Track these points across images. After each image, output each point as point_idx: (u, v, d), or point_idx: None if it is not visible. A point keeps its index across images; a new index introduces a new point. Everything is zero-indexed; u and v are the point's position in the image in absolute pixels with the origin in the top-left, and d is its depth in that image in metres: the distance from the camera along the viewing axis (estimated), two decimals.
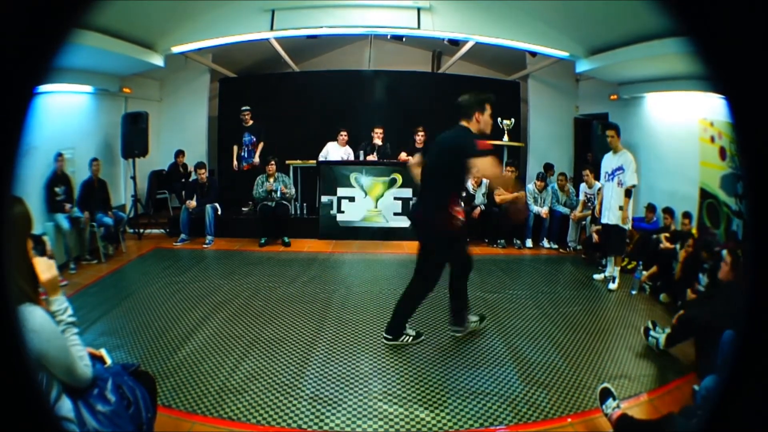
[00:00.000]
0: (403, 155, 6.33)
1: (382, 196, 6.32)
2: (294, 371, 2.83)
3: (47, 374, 1.40)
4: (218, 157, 7.82)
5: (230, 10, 5.58)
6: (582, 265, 5.36)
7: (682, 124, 5.28)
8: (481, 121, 2.92)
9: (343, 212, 6.33)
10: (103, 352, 1.90)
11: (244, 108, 6.72)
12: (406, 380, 2.76)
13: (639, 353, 3.19)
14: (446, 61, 8.67)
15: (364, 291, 4.30)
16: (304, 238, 6.20)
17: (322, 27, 5.67)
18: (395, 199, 6.29)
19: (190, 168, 6.89)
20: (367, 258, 5.53)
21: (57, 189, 4.86)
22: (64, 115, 5.26)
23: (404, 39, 7.55)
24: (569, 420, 2.44)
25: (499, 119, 6.26)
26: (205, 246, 5.86)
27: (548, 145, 7.67)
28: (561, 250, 5.99)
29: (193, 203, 6.01)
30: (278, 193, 6.03)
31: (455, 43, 6.74)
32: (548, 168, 6.80)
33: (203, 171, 6.17)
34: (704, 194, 4.83)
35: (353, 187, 6.30)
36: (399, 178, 6.19)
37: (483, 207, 6.14)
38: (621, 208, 4.42)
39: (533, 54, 6.67)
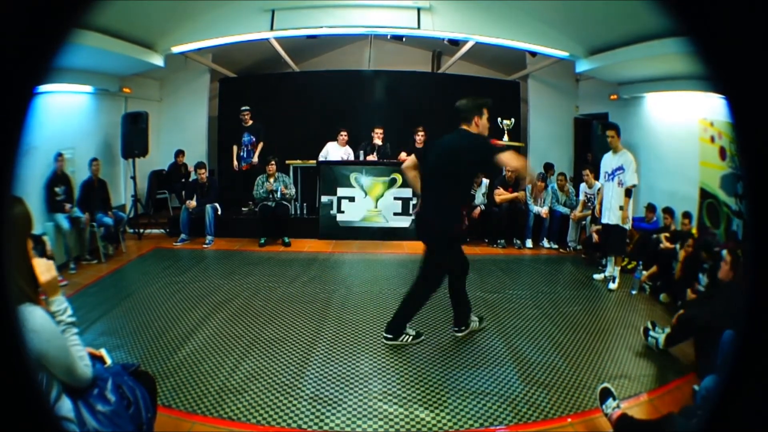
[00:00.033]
0: (403, 155, 6.33)
1: (382, 196, 6.32)
2: (294, 371, 2.83)
3: (47, 374, 1.40)
4: (218, 157, 7.82)
5: (230, 10, 5.58)
6: (582, 265, 5.36)
7: (682, 124, 5.28)
8: (480, 125, 2.98)
9: (343, 212, 6.33)
10: (103, 352, 1.90)
11: (243, 108, 6.72)
12: (406, 380, 2.76)
13: (639, 353, 3.19)
14: (446, 61, 8.67)
15: (364, 291, 4.30)
16: (304, 238, 6.20)
17: (322, 27, 5.66)
18: (395, 199, 6.29)
19: (190, 168, 6.89)
20: (367, 258, 5.53)
21: (57, 189, 4.86)
22: (64, 115, 5.26)
23: (404, 39, 7.55)
24: (569, 420, 2.44)
25: (499, 119, 6.27)
26: (205, 246, 5.86)
27: (548, 145, 7.67)
28: (561, 250, 5.99)
29: (193, 203, 6.01)
30: (278, 193, 6.03)
31: (455, 43, 6.74)
32: (548, 168, 6.80)
33: (203, 171, 6.17)
34: (704, 194, 4.83)
35: (353, 187, 6.30)
36: (399, 178, 6.19)
37: (483, 207, 6.15)
38: (621, 208, 4.42)
39: (533, 54, 6.67)
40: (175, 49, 5.78)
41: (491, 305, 3.95)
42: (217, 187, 6.41)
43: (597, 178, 5.10)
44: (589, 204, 5.65)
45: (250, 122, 6.74)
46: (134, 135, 6.12)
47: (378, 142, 6.45)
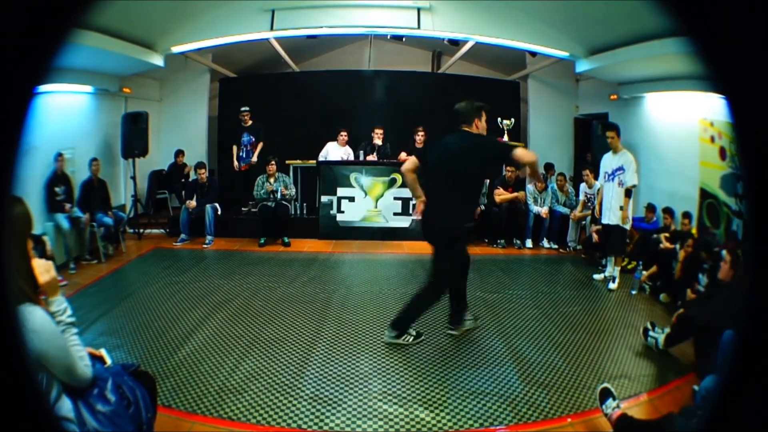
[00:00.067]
0: (403, 155, 6.33)
1: (382, 196, 6.32)
2: (294, 371, 2.83)
3: (47, 374, 1.40)
4: (218, 157, 7.82)
5: (230, 10, 5.58)
6: (582, 265, 5.36)
7: (682, 124, 5.28)
8: (479, 127, 3.04)
9: (343, 212, 6.33)
10: (103, 352, 1.90)
11: (242, 109, 6.72)
12: (406, 380, 2.76)
13: (639, 353, 3.19)
14: (446, 61, 8.67)
15: (364, 291, 4.30)
16: (304, 238, 6.20)
17: (322, 27, 5.67)
18: (395, 199, 6.29)
19: (190, 168, 6.89)
20: (367, 258, 5.53)
21: (57, 189, 4.86)
22: (64, 115, 5.26)
23: (404, 39, 7.55)
24: (569, 420, 2.44)
25: (499, 119, 6.27)
26: (205, 246, 5.86)
27: (548, 145, 7.66)
28: (561, 250, 5.99)
29: (193, 203, 6.01)
30: (279, 193, 6.03)
31: (455, 43, 6.74)
32: (548, 168, 6.80)
33: (203, 171, 6.17)
34: (704, 194, 4.83)
35: (353, 187, 6.30)
36: (399, 178, 6.19)
37: (483, 207, 6.14)
38: (621, 208, 4.43)
39: (533, 54, 6.67)
40: (175, 49, 5.78)
41: (491, 305, 3.95)
42: (217, 187, 6.41)
43: (597, 178, 5.10)
44: (589, 204, 5.65)
45: (250, 122, 6.74)
46: (134, 135, 6.12)
47: (378, 142, 6.45)
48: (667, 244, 4.44)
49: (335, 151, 6.54)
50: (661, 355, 3.12)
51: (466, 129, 3.02)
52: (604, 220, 4.62)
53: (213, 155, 7.82)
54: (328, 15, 5.59)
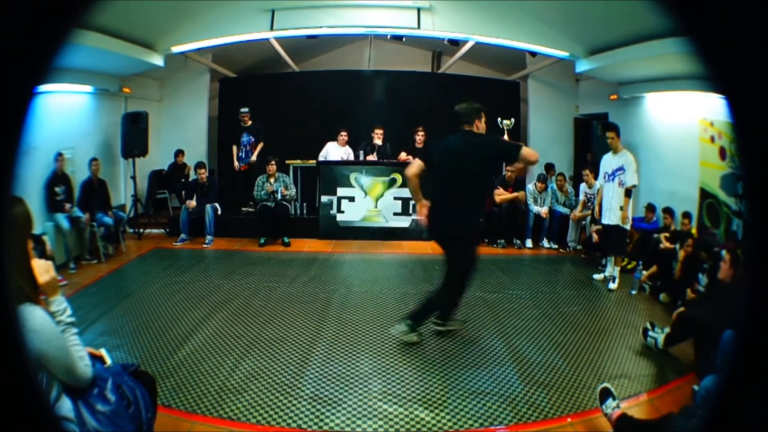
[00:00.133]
0: (403, 155, 6.33)
1: (381, 196, 6.32)
2: (294, 371, 2.83)
3: (47, 374, 1.40)
4: (218, 157, 7.82)
5: (230, 10, 5.58)
6: (582, 265, 5.36)
7: (682, 124, 5.28)
8: (479, 127, 3.10)
9: (343, 212, 6.33)
10: (103, 352, 1.90)
11: (242, 110, 6.70)
12: (406, 380, 2.76)
13: (639, 353, 3.19)
14: (446, 61, 8.66)
15: (364, 291, 4.30)
16: (304, 238, 6.20)
17: (322, 27, 5.66)
18: (395, 199, 6.29)
19: (190, 168, 6.89)
20: (367, 258, 5.53)
21: (57, 189, 4.86)
22: (64, 115, 5.26)
23: (404, 39, 7.54)
24: (569, 420, 2.44)
25: (499, 119, 6.26)
26: (205, 246, 5.86)
27: (548, 145, 7.65)
28: (561, 250, 5.99)
29: (193, 203, 6.01)
30: (279, 194, 6.03)
31: (455, 43, 6.74)
32: (548, 168, 6.80)
33: (203, 171, 6.17)
34: (704, 194, 4.83)
35: (353, 187, 6.30)
36: (399, 178, 6.19)
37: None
38: (621, 208, 4.43)
39: (533, 54, 6.67)
40: (175, 49, 5.78)
41: (491, 305, 3.95)
42: (217, 187, 6.40)
43: (597, 178, 5.10)
44: (589, 204, 5.65)
45: (249, 123, 6.74)
46: (134, 135, 6.12)
47: (378, 142, 6.45)
48: (667, 244, 4.44)
49: (335, 151, 6.54)
50: (661, 355, 3.12)
51: (468, 129, 3.06)
52: (604, 220, 4.62)
53: (213, 155, 7.82)
54: (328, 15, 5.59)
